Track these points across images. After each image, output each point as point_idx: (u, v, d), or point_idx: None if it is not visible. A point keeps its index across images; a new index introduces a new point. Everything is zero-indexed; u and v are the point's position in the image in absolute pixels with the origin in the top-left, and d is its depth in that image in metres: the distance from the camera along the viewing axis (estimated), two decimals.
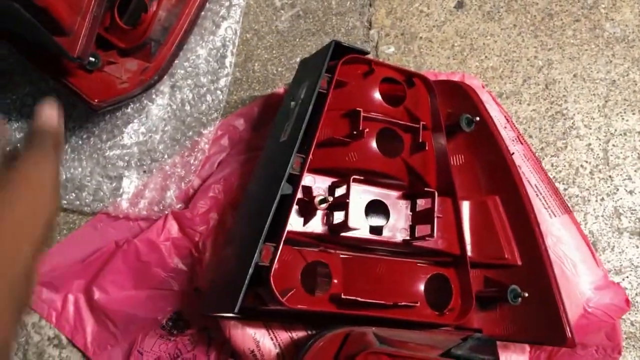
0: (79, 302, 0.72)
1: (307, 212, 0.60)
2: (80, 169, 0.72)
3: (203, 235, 0.71)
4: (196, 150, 0.75)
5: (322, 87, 0.63)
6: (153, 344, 0.69)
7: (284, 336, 0.65)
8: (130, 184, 0.72)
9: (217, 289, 0.63)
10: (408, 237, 0.64)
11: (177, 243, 0.71)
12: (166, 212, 0.72)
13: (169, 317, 0.70)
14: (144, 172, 0.73)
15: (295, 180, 0.59)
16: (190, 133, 0.76)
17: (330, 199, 0.59)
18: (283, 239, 0.56)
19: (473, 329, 0.67)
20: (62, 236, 0.74)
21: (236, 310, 0.53)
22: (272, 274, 0.55)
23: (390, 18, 0.85)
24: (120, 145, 0.73)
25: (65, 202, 0.71)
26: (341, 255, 0.64)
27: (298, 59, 0.82)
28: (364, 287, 0.63)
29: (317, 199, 0.59)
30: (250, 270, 0.55)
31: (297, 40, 0.83)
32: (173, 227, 0.71)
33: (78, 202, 0.71)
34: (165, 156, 0.73)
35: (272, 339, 0.65)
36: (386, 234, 0.63)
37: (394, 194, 0.66)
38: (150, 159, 0.73)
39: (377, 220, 0.65)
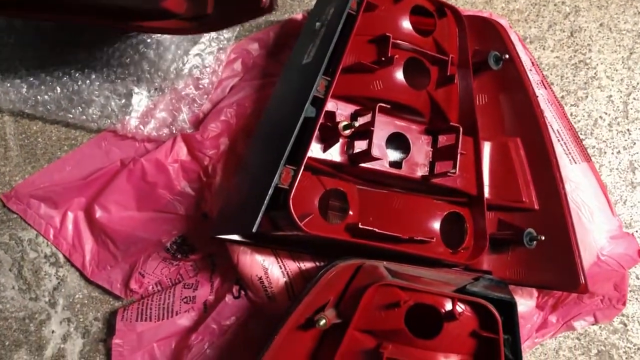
0: (79, 220, 0.69)
1: (328, 138, 0.58)
2: (88, 82, 0.68)
3: (213, 160, 0.68)
4: (210, 72, 0.71)
5: (351, 8, 0.60)
6: (155, 267, 0.68)
7: (293, 266, 0.64)
8: (140, 101, 0.69)
9: (230, 212, 0.61)
10: (427, 173, 0.62)
11: (186, 166, 0.68)
12: (176, 134, 0.69)
13: (174, 240, 0.68)
14: (155, 89, 0.70)
15: (319, 103, 0.57)
16: (203, 53, 0.72)
17: (356, 124, 0.56)
18: (304, 162, 0.54)
19: (483, 271, 0.66)
20: (63, 152, 0.71)
21: (255, 228, 0.51)
22: (291, 196, 0.53)
23: None
24: (132, 62, 0.69)
25: (70, 116, 0.68)
26: (358, 187, 0.62)
27: None
28: (379, 220, 0.61)
29: (341, 124, 0.56)
30: (270, 191, 0.52)
31: None
32: (182, 150, 0.69)
33: (84, 117, 0.68)
34: (176, 75, 0.69)
35: (280, 268, 0.63)
36: (405, 168, 0.61)
37: (415, 128, 0.63)
38: (162, 77, 0.69)
39: (396, 154, 0.63)
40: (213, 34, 0.73)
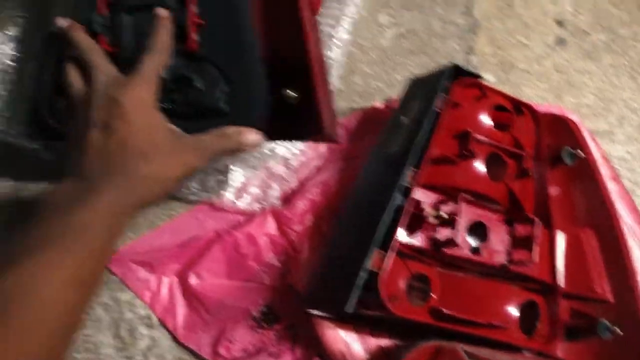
0: (173, 285, 0.75)
1: (414, 225, 0.63)
2: None
3: (300, 235, 0.74)
4: (298, 153, 0.78)
5: (437, 107, 0.66)
6: (242, 334, 0.72)
7: (372, 342, 0.68)
8: (236, 177, 0.76)
9: (320, 289, 0.66)
10: (504, 261, 0.66)
11: (274, 240, 0.74)
12: (266, 209, 0.75)
13: (261, 309, 0.72)
14: (249, 167, 0.77)
15: (406, 192, 0.62)
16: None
17: (443, 214, 0.61)
18: (393, 247, 0.59)
19: (557, 358, 0.68)
20: (162, 221, 0.78)
21: (350, 309, 0.56)
22: (381, 279, 0.57)
23: (491, 46, 0.87)
24: None
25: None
26: (438, 270, 0.66)
27: (398, 76, 0.85)
28: (458, 304, 0.65)
29: (428, 213, 0.61)
30: (365, 275, 0.57)
31: (399, 58, 0.86)
32: (271, 225, 0.74)
33: (186, 190, 0.75)
34: (270, 156, 0.76)
35: (361, 344, 0.67)
36: (484, 255, 0.65)
37: (494, 216, 0.68)
38: (257, 157, 0.76)
39: (476, 241, 0.67)
40: None
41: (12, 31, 0.79)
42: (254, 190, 0.77)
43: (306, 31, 0.61)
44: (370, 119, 0.82)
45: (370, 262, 0.58)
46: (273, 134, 0.62)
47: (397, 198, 0.61)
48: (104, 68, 0.52)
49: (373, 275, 0.58)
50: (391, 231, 0.60)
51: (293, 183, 0.78)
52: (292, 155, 0.78)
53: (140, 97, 0.49)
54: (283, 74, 0.61)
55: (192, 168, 0.51)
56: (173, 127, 0.53)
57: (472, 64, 0.87)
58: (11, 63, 0.79)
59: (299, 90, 0.62)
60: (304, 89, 0.62)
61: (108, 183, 0.44)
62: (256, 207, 0.76)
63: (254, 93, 0.60)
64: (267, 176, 0.77)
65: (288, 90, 0.61)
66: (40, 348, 0.39)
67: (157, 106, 0.52)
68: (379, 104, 0.83)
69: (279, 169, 0.78)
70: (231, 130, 0.55)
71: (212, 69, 0.58)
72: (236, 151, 0.55)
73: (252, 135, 0.56)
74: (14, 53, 0.79)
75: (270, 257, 0.74)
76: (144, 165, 0.47)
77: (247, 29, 0.61)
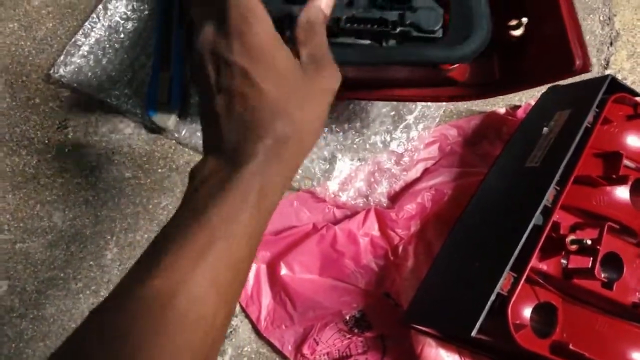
0: (260, 273, 0.70)
1: (549, 249, 0.56)
2: None
3: (403, 240, 0.68)
4: (412, 150, 0.72)
5: (588, 122, 0.59)
6: (330, 336, 0.67)
7: None
8: (342, 168, 0.70)
9: (432, 306, 0.60)
10: (638, 301, 0.58)
11: (375, 241, 0.69)
12: (371, 206, 0.70)
13: (354, 314, 0.67)
14: (358, 159, 0.71)
15: (547, 212, 0.55)
16: (409, 130, 0.73)
17: (587, 241, 0.54)
18: (527, 271, 0.52)
19: None
20: None
21: (474, 333, 0.50)
22: (510, 304, 0.51)
23: (631, 62, 0.79)
24: (342, 130, 0.71)
25: None
26: (563, 301, 0.59)
27: None
28: (580, 340, 0.58)
29: (569, 239, 0.54)
30: (493, 297, 0.51)
31: None
32: (374, 224, 0.69)
33: None
34: (382, 149, 0.71)
35: None
36: (616, 291, 0.58)
37: (631, 250, 0.60)
38: (368, 149, 0.70)
39: (609, 274, 0.60)
40: (419, 113, 0.74)
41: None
42: (360, 184, 0.71)
43: None
44: (489, 124, 0.76)
45: (501, 285, 0.52)
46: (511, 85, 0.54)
47: (537, 218, 0.54)
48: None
49: (501, 300, 0.52)
50: (524, 252, 0.54)
51: (402, 182, 0.72)
52: (404, 150, 0.72)
53: (256, 44, 0.40)
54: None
55: (333, 89, 0.44)
56: (295, 59, 0.43)
57: None
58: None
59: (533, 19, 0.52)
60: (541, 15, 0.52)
61: (252, 157, 0.39)
62: (360, 202, 0.70)
63: (477, 20, 0.49)
64: (375, 170, 0.71)
65: (521, 20, 0.52)
66: (202, 341, 0.35)
67: (279, 41, 0.42)
68: (501, 108, 0.77)
69: (389, 165, 0.72)
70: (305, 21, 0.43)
71: None
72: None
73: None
74: (128, 12, 0.76)
75: (368, 259, 0.68)
76: (286, 123, 0.40)
77: None
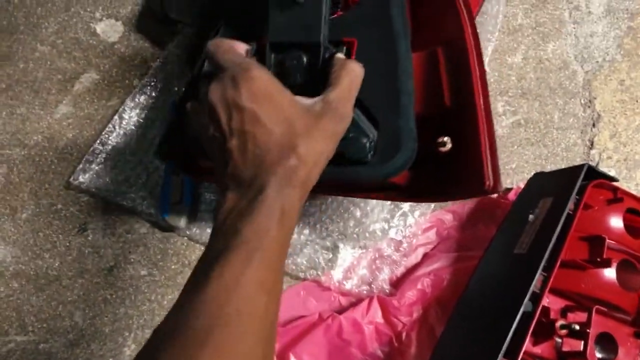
0: None
1: (540, 333, 0.59)
2: (302, 236, 0.75)
3: (406, 327, 0.71)
4: (410, 236, 0.76)
5: (569, 209, 0.63)
6: None
7: None
8: (345, 257, 0.75)
9: None
10: None
11: (380, 329, 0.71)
12: (374, 293, 0.73)
13: None
14: (360, 247, 0.75)
15: (536, 298, 0.58)
16: (406, 217, 0.77)
17: (575, 327, 0.57)
18: (520, 356, 0.55)
19: None
20: None
21: None
22: None
23: (614, 141, 0.84)
24: (342, 220, 0.76)
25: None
26: None
27: (513, 166, 0.83)
28: None
29: (559, 324, 0.57)
30: None
31: (515, 147, 0.84)
32: (377, 312, 0.72)
33: (294, 267, 0.74)
34: (381, 236, 0.75)
35: None
36: None
37: (623, 329, 0.62)
38: (367, 237, 0.75)
39: (603, 354, 0.62)
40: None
41: (141, 99, 0.83)
42: (363, 271, 0.75)
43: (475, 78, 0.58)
44: (482, 208, 0.80)
45: None
46: (424, 191, 0.59)
47: (526, 304, 0.57)
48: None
49: None
50: (516, 339, 0.56)
51: (403, 267, 0.76)
52: (403, 237, 0.76)
53: (261, 90, 0.46)
54: (439, 122, 0.58)
55: (336, 132, 0.49)
56: (300, 100, 0.49)
57: (593, 158, 0.83)
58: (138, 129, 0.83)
59: (458, 141, 0.57)
60: (465, 139, 0.57)
61: (270, 184, 0.44)
62: (364, 289, 0.74)
63: (404, 142, 0.54)
64: (377, 258, 0.75)
65: (445, 138, 0.57)
66: (258, 334, 0.40)
67: (280, 87, 0.48)
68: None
69: (389, 252, 0.76)
70: (339, 69, 0.50)
71: (361, 115, 0.54)
72: (355, 82, 0.50)
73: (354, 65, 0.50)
74: (142, 120, 0.83)
75: (374, 347, 0.71)
76: (292, 157, 0.45)
77: (404, 76, 0.56)
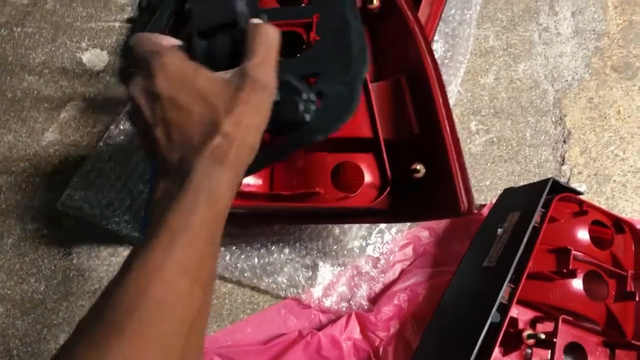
0: None
1: (508, 344, 0.61)
2: (282, 255, 0.77)
3: (384, 342, 0.72)
4: (387, 253, 0.78)
5: (536, 222, 0.65)
6: None
7: None
8: (325, 274, 0.76)
9: None
10: None
11: (358, 344, 0.73)
12: (353, 310, 0.75)
13: None
14: (338, 265, 0.77)
15: (503, 309, 0.60)
16: (383, 234, 0.79)
17: (541, 336, 0.59)
18: None
19: None
20: (245, 315, 0.79)
21: None
22: None
23: (584, 157, 0.86)
24: (320, 238, 0.78)
25: (263, 283, 0.76)
26: None
27: (487, 182, 0.85)
28: None
29: (525, 333, 0.59)
30: None
31: (489, 165, 0.86)
32: (355, 328, 0.74)
33: (274, 285, 0.76)
34: (359, 253, 0.77)
35: None
36: None
37: (593, 339, 0.64)
38: (345, 254, 0.77)
39: None
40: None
41: (126, 126, 0.86)
42: (342, 288, 0.77)
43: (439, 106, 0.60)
44: (457, 224, 0.82)
45: None
46: (403, 215, 0.62)
47: (494, 315, 0.59)
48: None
49: None
50: (485, 349, 0.58)
51: (381, 284, 0.77)
52: (380, 254, 0.78)
53: (175, 73, 0.46)
54: (411, 149, 0.61)
55: (260, 102, 0.47)
56: (218, 75, 0.47)
57: (565, 174, 0.85)
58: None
59: (431, 166, 0.60)
60: (437, 164, 0.59)
61: (195, 166, 0.44)
62: (343, 306, 0.76)
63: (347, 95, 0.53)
64: (355, 275, 0.77)
65: (417, 166, 0.60)
66: (181, 317, 0.39)
67: (195, 66, 0.47)
68: None
69: (367, 268, 0.78)
70: (252, 36, 0.48)
71: (296, 78, 0.53)
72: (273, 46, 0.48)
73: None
74: (126, 145, 0.86)
75: None
76: (216, 136, 0.44)
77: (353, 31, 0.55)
